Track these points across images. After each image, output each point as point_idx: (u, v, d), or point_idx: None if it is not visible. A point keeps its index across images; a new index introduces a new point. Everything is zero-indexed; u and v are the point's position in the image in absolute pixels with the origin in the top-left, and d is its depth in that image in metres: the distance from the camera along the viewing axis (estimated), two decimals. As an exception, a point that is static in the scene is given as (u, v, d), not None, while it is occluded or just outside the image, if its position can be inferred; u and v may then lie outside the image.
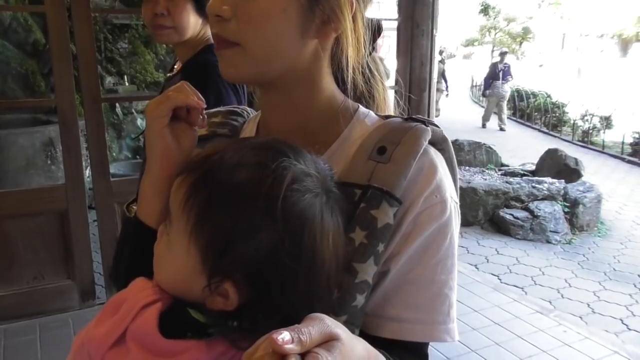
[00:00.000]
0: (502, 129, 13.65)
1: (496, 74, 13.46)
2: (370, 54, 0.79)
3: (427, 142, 0.69)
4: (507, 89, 13.86)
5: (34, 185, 4.77)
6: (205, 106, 0.73)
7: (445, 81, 15.96)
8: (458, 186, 0.76)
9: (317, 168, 0.63)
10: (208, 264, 0.59)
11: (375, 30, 0.79)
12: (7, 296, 3.32)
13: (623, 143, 10.66)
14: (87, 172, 4.13)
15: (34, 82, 6.04)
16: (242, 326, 0.59)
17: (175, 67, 1.84)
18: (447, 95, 16.12)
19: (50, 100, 5.03)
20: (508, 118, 16.62)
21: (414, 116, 0.74)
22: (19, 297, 3.34)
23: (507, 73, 13.52)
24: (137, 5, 2.54)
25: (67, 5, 3.20)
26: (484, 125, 14.14)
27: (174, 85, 0.72)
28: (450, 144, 0.76)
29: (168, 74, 1.86)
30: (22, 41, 6.18)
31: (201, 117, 0.73)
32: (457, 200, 0.73)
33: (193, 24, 1.69)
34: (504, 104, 13.97)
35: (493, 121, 14.06)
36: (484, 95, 15.28)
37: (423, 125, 0.71)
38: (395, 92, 0.88)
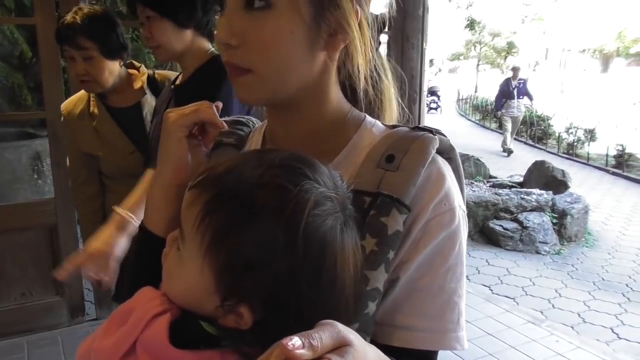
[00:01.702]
0: (505, 151, 12.09)
1: (510, 91, 11.60)
2: (376, 49, 0.79)
3: (435, 150, 0.69)
4: (522, 108, 12.09)
5: (20, 200, 4.70)
6: (226, 129, 0.75)
7: (437, 96, 15.79)
8: (465, 195, 0.76)
9: (336, 187, 0.61)
10: (222, 286, 0.57)
11: (381, 24, 0.79)
12: (-6, 313, 3.26)
13: (607, 155, 10.83)
14: (76, 186, 4.09)
15: (20, 96, 5.98)
16: (255, 339, 0.57)
17: (179, 79, 1.88)
18: (440, 111, 16.04)
19: (39, 114, 4.99)
20: (493, 131, 16.76)
21: (420, 125, 0.74)
22: (6, 314, 3.28)
23: (522, 91, 11.67)
24: (129, 19, 2.55)
25: (57, 18, 3.18)
26: (505, 150, 12.21)
27: (199, 102, 0.73)
28: (457, 153, 0.76)
29: (172, 86, 1.89)
30: (8, 54, 6.13)
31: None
32: (465, 209, 0.73)
33: (175, 43, 1.76)
34: (516, 126, 12.44)
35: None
36: (495, 116, 13.50)
37: (431, 134, 0.71)
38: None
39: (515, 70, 12.12)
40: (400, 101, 0.86)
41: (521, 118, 12.45)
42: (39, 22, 3.12)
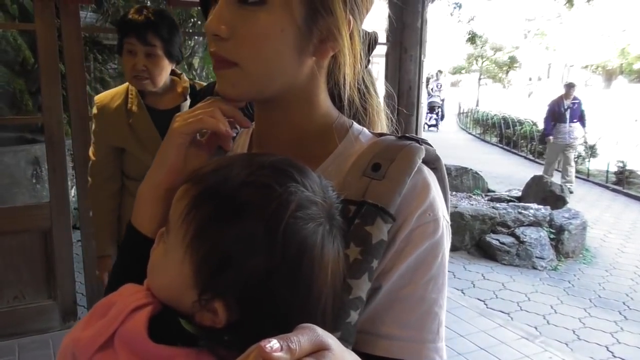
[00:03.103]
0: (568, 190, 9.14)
1: (561, 113, 9.53)
2: (366, 66, 0.80)
3: (421, 160, 0.69)
4: (577, 134, 9.73)
5: (17, 204, 4.71)
6: (234, 135, 0.75)
7: (435, 113, 15.18)
8: (449, 205, 0.77)
9: (325, 195, 0.62)
10: (200, 280, 0.58)
11: (372, 42, 0.79)
12: (-14, 316, 3.26)
13: (607, 172, 10.81)
14: (73, 192, 4.11)
15: (22, 101, 6.02)
16: (231, 342, 0.57)
17: None
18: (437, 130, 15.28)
19: (37, 118, 5.01)
20: (494, 145, 16.68)
21: (407, 134, 0.74)
22: (-2, 316, 3.28)
23: (577, 113, 9.58)
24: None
25: (57, 25, 3.21)
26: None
27: (205, 104, 0.74)
28: (443, 164, 0.76)
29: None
30: (11, 60, 6.18)
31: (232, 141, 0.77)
32: (449, 220, 0.73)
33: None
34: (571, 155, 9.93)
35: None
36: (542, 142, 11.34)
37: (417, 144, 0.71)
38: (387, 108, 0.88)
39: (569, 87, 9.84)
40: (390, 115, 0.87)
41: (577, 146, 10.11)
42: (38, 28, 3.14)
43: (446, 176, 0.77)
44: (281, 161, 0.62)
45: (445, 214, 0.71)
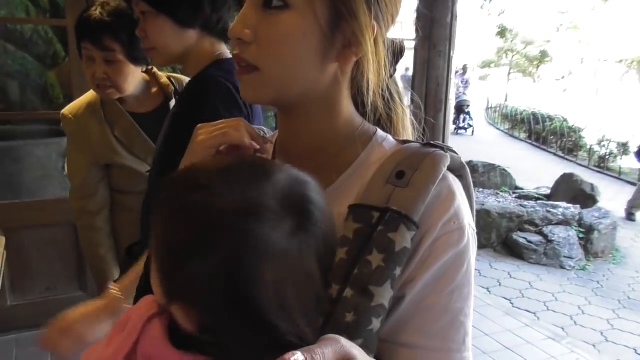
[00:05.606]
0: (631, 217, 7.70)
1: None
2: (391, 76, 0.79)
3: (446, 168, 0.69)
4: None
5: (49, 196, 4.81)
6: (258, 147, 0.75)
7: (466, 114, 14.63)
8: (475, 213, 0.76)
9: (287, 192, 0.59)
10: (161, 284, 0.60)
11: (398, 51, 0.79)
12: (20, 306, 3.35)
13: (640, 170, 10.53)
14: (103, 184, 4.16)
15: (53, 95, 6.13)
16: (234, 349, 0.57)
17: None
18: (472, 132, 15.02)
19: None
20: (523, 141, 16.35)
21: (432, 142, 0.73)
22: (31, 307, 3.36)
23: None
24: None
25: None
26: (630, 216, 7.68)
27: (230, 120, 0.76)
28: (469, 171, 0.75)
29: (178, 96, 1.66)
30: (42, 54, 6.29)
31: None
32: (474, 228, 0.72)
33: (173, 45, 1.45)
34: None
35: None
36: None
37: (442, 152, 0.70)
38: (412, 113, 0.87)
39: None
40: (417, 124, 0.86)
41: None
42: (70, 23, 3.19)
43: (472, 184, 0.76)
44: (236, 162, 0.63)
45: (471, 222, 0.70)
